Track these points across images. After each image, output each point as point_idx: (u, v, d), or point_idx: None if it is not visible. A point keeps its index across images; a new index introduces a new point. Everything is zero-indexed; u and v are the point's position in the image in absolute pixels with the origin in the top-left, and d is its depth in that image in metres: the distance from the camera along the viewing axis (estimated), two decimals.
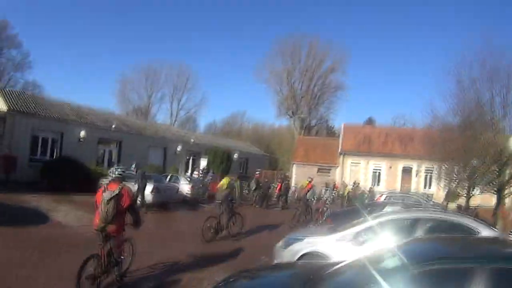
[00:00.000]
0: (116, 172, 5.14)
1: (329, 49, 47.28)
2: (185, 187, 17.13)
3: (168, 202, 14.86)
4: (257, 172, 21.28)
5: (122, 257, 5.22)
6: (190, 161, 29.61)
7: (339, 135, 36.64)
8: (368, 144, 31.92)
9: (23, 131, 17.50)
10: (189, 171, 28.24)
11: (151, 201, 13.59)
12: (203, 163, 26.93)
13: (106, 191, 4.87)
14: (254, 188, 19.68)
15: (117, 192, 4.85)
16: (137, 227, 5.30)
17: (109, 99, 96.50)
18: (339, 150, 32.16)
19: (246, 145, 46.32)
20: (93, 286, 4.66)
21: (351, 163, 31.73)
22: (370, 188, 23.10)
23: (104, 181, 7.53)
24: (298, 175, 32.65)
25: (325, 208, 14.17)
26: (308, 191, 14.21)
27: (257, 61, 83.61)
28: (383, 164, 30.72)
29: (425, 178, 29.73)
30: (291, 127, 48.68)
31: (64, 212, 11.30)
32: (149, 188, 13.50)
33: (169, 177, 18.06)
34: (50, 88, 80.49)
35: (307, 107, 47.73)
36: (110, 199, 4.79)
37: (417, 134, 32.61)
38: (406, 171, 30.16)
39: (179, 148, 26.90)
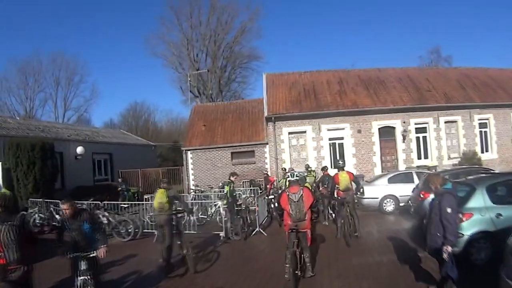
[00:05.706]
0: (295, 176, 5.81)
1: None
2: None
3: None
4: None
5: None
6: None
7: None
8: (314, 98, 18.19)
9: None
10: None
11: None
12: None
13: (291, 194, 5.49)
14: None
15: (302, 192, 5.50)
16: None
17: None
18: (265, 115, 17.77)
19: (114, 131, 29.22)
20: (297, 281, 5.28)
21: (290, 133, 17.59)
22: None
23: None
24: (198, 168, 17.66)
25: None
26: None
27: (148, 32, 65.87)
28: (346, 128, 17.21)
29: (418, 142, 17.15)
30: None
31: None
32: None
33: None
34: None
35: (217, 84, 34.62)
36: (299, 199, 5.43)
37: (392, 75, 20.22)
38: (386, 133, 17.18)
39: None
